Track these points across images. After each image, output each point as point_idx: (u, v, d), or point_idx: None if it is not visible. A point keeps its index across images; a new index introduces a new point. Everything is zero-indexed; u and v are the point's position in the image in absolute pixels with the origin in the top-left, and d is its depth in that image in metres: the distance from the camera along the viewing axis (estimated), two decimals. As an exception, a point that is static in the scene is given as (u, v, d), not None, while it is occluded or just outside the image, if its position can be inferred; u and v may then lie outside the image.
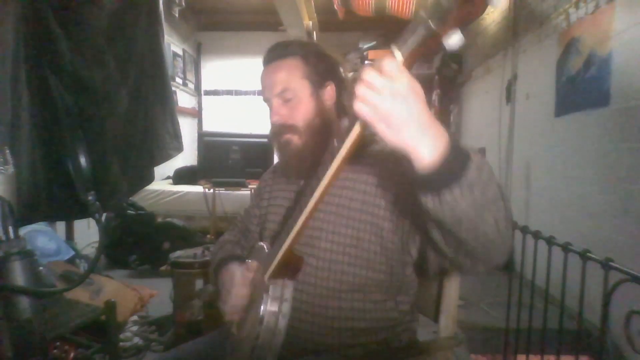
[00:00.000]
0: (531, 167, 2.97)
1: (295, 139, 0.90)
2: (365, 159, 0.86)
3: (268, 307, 0.73)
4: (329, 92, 0.93)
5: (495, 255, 0.67)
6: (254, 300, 0.82)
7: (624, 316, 1.23)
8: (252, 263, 0.88)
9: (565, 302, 1.52)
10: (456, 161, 0.57)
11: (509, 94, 3.31)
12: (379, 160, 0.85)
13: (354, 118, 0.60)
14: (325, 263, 0.84)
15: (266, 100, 0.94)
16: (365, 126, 0.59)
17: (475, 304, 2.41)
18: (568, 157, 2.46)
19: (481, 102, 4.09)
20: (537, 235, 1.63)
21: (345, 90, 0.95)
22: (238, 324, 0.88)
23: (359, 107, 0.57)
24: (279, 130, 0.91)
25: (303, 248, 0.85)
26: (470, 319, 2.20)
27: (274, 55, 0.94)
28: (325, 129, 0.90)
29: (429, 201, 0.59)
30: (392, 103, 0.55)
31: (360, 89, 0.56)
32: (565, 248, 1.48)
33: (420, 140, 0.56)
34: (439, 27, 0.53)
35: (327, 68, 0.93)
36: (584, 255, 1.40)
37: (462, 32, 0.54)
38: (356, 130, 0.61)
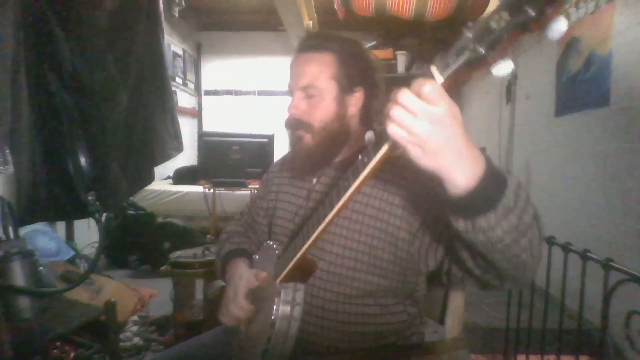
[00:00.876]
0: (531, 167, 2.97)
1: (307, 138, 0.88)
2: (385, 164, 0.86)
3: (280, 310, 0.72)
4: (357, 97, 0.89)
5: (525, 276, 0.65)
6: (264, 301, 0.82)
7: (624, 316, 1.23)
8: (261, 273, 0.87)
9: (565, 302, 1.52)
10: (492, 187, 0.55)
11: (509, 94, 3.30)
12: (398, 168, 0.82)
13: (384, 136, 0.57)
14: (337, 268, 0.84)
15: (290, 89, 0.90)
16: (395, 147, 0.56)
17: (475, 304, 2.41)
18: (568, 157, 2.46)
19: (481, 102, 4.09)
20: (537, 235, 1.63)
21: (376, 99, 0.91)
22: (246, 325, 0.87)
23: (393, 129, 0.54)
24: (294, 124, 0.89)
25: (315, 252, 0.84)
26: (470, 319, 2.20)
27: (310, 45, 0.90)
28: (342, 136, 0.88)
29: (461, 225, 0.57)
30: (429, 128, 0.52)
31: (395, 111, 0.53)
32: (565, 248, 1.48)
33: (456, 166, 0.54)
34: (488, 54, 0.50)
35: (360, 72, 0.89)
36: (584, 255, 1.40)
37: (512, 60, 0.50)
38: (384, 149, 0.58)
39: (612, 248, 1.92)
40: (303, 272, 0.78)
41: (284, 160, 1.09)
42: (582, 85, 2.32)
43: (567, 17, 2.51)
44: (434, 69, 0.54)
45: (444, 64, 0.54)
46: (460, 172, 0.54)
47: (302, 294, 0.76)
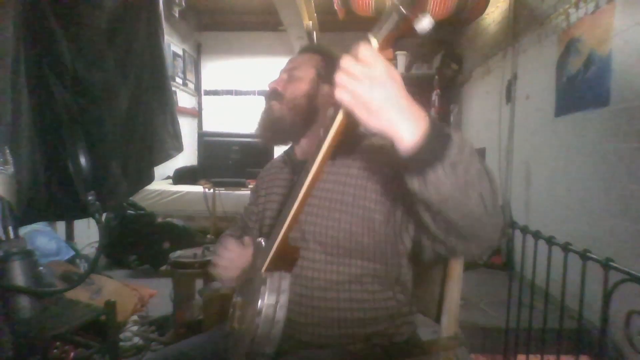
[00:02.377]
0: (531, 167, 2.97)
1: (277, 107, 0.97)
2: (357, 154, 0.90)
3: (266, 299, 0.74)
4: (331, 89, 0.95)
5: (485, 234, 0.68)
6: (252, 293, 0.82)
7: (624, 316, 1.23)
8: (245, 238, 0.93)
9: (565, 302, 1.52)
10: (437, 141, 0.59)
11: (509, 94, 3.31)
12: (370, 154, 0.89)
13: (337, 106, 0.62)
14: (321, 256, 0.87)
15: (278, 76, 1.02)
16: (348, 113, 0.60)
17: (475, 304, 2.41)
18: (568, 157, 2.46)
19: (481, 102, 4.09)
20: (537, 235, 1.63)
21: None
22: (239, 318, 0.88)
23: (339, 94, 0.59)
24: (270, 94, 0.99)
25: (299, 242, 0.88)
26: (470, 319, 2.20)
27: (305, 50, 1.07)
28: (309, 114, 0.96)
29: (414, 183, 0.61)
30: (370, 88, 0.57)
31: (339, 77, 0.59)
32: (565, 248, 1.48)
33: (401, 123, 0.58)
34: (409, 11, 0.56)
35: None
36: (584, 255, 1.40)
37: (430, 16, 0.57)
38: (339, 117, 0.63)
39: (612, 248, 1.92)
40: (286, 259, 0.79)
41: (271, 165, 1.15)
42: (582, 85, 2.32)
43: (567, 17, 2.51)
44: (369, 35, 0.60)
45: (377, 29, 0.59)
46: (404, 128, 0.58)
47: (288, 282, 0.77)
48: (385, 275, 0.88)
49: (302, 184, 0.71)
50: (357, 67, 0.57)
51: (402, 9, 0.56)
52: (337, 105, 0.62)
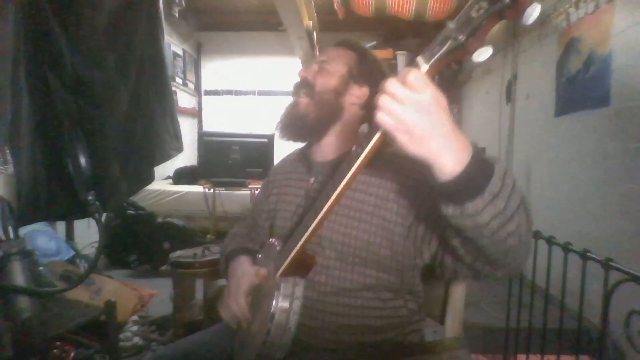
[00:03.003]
0: (531, 167, 2.97)
1: (305, 102, 0.94)
2: (379, 162, 0.85)
3: (279, 304, 0.74)
4: (362, 91, 0.95)
5: (515, 262, 0.67)
6: (265, 296, 0.82)
7: (624, 316, 1.23)
8: (262, 270, 0.88)
9: (565, 302, 1.52)
10: (479, 173, 0.56)
11: (509, 94, 3.31)
12: (393, 164, 0.85)
13: (375, 127, 0.60)
14: (336, 263, 0.86)
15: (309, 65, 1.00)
16: (386, 136, 0.59)
17: (475, 304, 2.41)
18: (568, 157, 2.46)
19: (481, 102, 4.09)
20: (537, 235, 1.63)
21: None
22: (249, 322, 0.88)
23: (381, 117, 0.56)
24: (300, 85, 0.96)
25: (314, 247, 0.86)
26: (470, 319, 2.20)
27: (340, 43, 1.02)
28: (333, 111, 0.94)
29: (450, 211, 0.59)
30: (415, 115, 0.55)
31: (382, 99, 0.56)
32: (565, 248, 1.48)
33: (443, 152, 0.56)
34: (468, 42, 0.54)
35: (372, 74, 0.96)
36: (584, 255, 1.39)
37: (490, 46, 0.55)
38: (376, 138, 0.62)
39: (612, 248, 1.92)
40: (302, 266, 0.79)
41: (283, 162, 1.12)
42: (582, 85, 2.32)
43: (567, 17, 2.51)
44: (419, 59, 0.58)
45: (428, 53, 0.58)
46: (447, 157, 0.56)
47: (302, 288, 0.76)
48: (399, 286, 0.87)
49: (328, 198, 0.70)
50: (404, 91, 0.55)
51: (461, 37, 0.54)
52: (374, 125, 0.60)
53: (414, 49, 4.67)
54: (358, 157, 0.64)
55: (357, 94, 0.95)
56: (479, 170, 0.56)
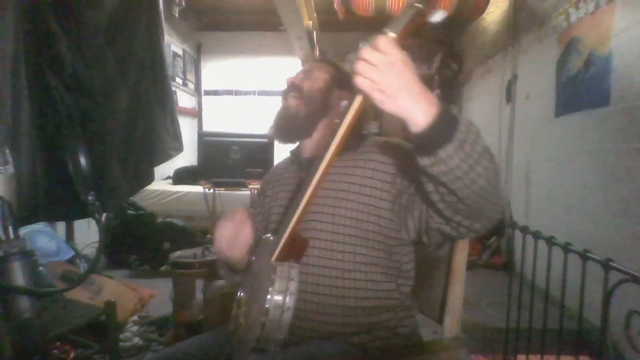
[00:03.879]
0: (531, 167, 2.97)
1: (294, 102, 1.01)
2: (362, 148, 0.97)
3: (276, 286, 0.76)
4: (341, 94, 1.04)
5: (487, 210, 0.74)
6: (258, 287, 0.84)
7: (624, 316, 1.23)
8: (237, 212, 0.92)
9: (565, 302, 1.52)
10: (447, 123, 0.65)
11: (509, 94, 3.31)
12: (374, 149, 0.95)
13: (355, 93, 0.69)
14: (327, 244, 0.90)
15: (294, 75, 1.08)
16: (365, 98, 0.67)
17: (475, 304, 2.41)
18: (568, 157, 2.46)
19: (481, 102, 4.09)
20: (537, 235, 1.63)
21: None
22: (244, 313, 0.89)
23: (359, 81, 0.65)
24: (288, 88, 1.04)
25: (306, 232, 0.90)
26: (470, 319, 2.20)
27: (320, 60, 1.16)
28: (321, 107, 1.01)
29: (425, 161, 0.67)
30: (387, 75, 0.64)
31: (358, 65, 0.65)
32: (565, 248, 1.48)
33: (415, 106, 0.65)
34: (425, 6, 0.66)
35: (347, 84, 1.04)
36: (584, 255, 1.40)
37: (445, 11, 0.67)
38: (357, 101, 0.70)
39: (612, 248, 1.92)
40: (295, 250, 0.83)
41: (277, 166, 1.18)
42: (582, 85, 2.32)
43: (567, 17, 2.51)
44: (386, 29, 0.68)
45: (393, 22, 0.68)
46: (418, 111, 0.65)
47: (297, 271, 0.79)
48: (388, 264, 0.91)
49: (314, 176, 0.77)
50: (376, 55, 0.64)
51: (418, 5, 0.65)
52: (353, 92, 0.69)
53: (414, 49, 4.67)
54: (341, 126, 0.74)
55: (338, 95, 1.04)
56: (446, 121, 0.65)
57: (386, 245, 0.90)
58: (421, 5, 0.65)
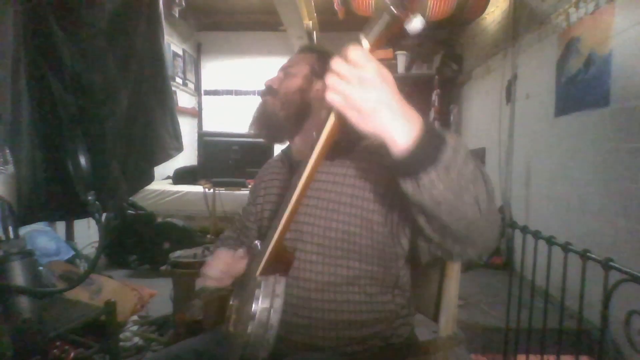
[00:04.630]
0: (531, 167, 2.97)
1: (271, 101, 0.98)
2: (355, 154, 0.90)
3: (260, 303, 0.73)
4: (324, 85, 0.97)
5: (481, 236, 0.66)
6: (247, 297, 0.82)
7: (624, 316, 1.23)
8: (239, 251, 0.91)
9: (565, 302, 1.52)
10: (431, 144, 0.57)
11: (509, 94, 3.30)
12: (367, 155, 0.88)
13: (329, 108, 0.61)
14: (318, 257, 0.86)
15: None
16: (339, 115, 0.59)
17: (475, 304, 2.41)
18: (568, 157, 2.46)
19: (481, 102, 4.09)
20: (537, 235, 1.63)
21: None
22: (234, 321, 0.88)
23: (330, 96, 0.58)
24: (265, 91, 1.01)
25: (296, 243, 0.87)
26: (470, 319, 2.20)
27: (302, 49, 1.08)
28: (301, 108, 0.97)
29: (408, 186, 0.60)
30: (360, 90, 0.56)
31: (329, 79, 0.58)
32: (565, 248, 1.48)
33: (393, 126, 0.56)
34: (400, 11, 0.55)
35: None
36: (584, 255, 1.39)
37: (422, 16, 0.57)
38: (331, 120, 0.62)
39: (612, 248, 1.92)
40: (281, 262, 0.79)
41: (268, 165, 1.15)
42: (582, 85, 2.32)
43: (567, 17, 2.51)
44: (361, 36, 0.59)
45: (368, 30, 0.58)
46: (397, 131, 0.56)
47: (283, 286, 0.76)
48: (383, 278, 0.87)
49: (296, 186, 0.70)
50: (347, 68, 0.56)
51: (393, 9, 0.55)
52: (329, 108, 0.61)
53: (414, 49, 4.67)
54: (318, 140, 0.65)
55: (322, 87, 0.96)
56: (430, 142, 0.57)
57: (380, 259, 0.86)
58: (395, 11, 0.56)
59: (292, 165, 1.01)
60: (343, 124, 0.60)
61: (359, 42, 0.58)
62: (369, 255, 0.85)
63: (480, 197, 0.61)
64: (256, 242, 0.91)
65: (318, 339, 0.86)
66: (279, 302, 0.74)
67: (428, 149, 0.57)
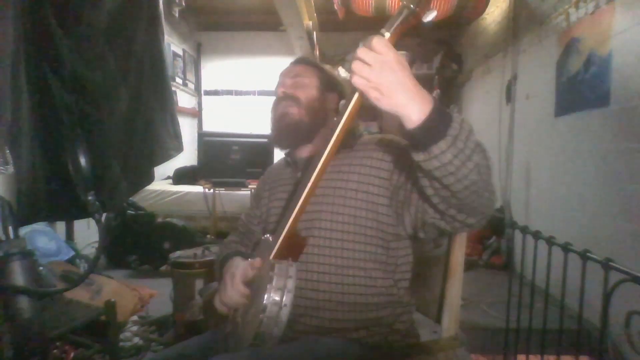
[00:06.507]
0: (531, 167, 2.97)
1: (294, 110, 1.01)
2: (358, 146, 0.99)
3: (274, 283, 0.76)
4: (333, 98, 1.06)
5: (480, 205, 0.76)
6: (256, 287, 0.84)
7: (624, 316, 1.23)
8: (256, 260, 0.89)
9: (565, 302, 1.52)
10: (440, 120, 0.67)
11: (509, 94, 3.31)
12: (370, 147, 0.97)
13: (352, 91, 0.72)
14: (326, 241, 0.92)
15: (281, 83, 1.07)
16: (362, 96, 0.71)
17: (475, 304, 2.41)
18: (568, 157, 2.46)
19: (481, 102, 4.09)
20: (537, 235, 1.63)
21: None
22: (242, 312, 0.89)
23: (355, 79, 0.68)
24: (281, 99, 1.03)
25: (305, 231, 0.92)
26: (470, 319, 2.20)
27: (301, 61, 1.11)
28: (321, 117, 1.02)
29: (420, 156, 0.69)
30: (381, 73, 0.66)
31: (355, 65, 0.68)
32: (565, 248, 1.48)
33: (409, 104, 0.66)
34: (418, 8, 0.69)
35: (336, 85, 1.08)
36: (584, 255, 1.40)
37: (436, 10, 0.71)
38: (354, 99, 0.73)
39: (612, 248, 1.92)
40: (294, 249, 0.84)
41: (272, 169, 1.19)
42: (582, 85, 2.32)
43: (567, 17, 2.51)
44: (383, 29, 0.70)
45: (389, 24, 0.70)
46: (413, 108, 0.67)
47: (295, 269, 0.79)
48: (385, 260, 0.92)
49: (312, 173, 0.79)
50: (371, 55, 0.66)
51: (412, 6, 0.69)
52: (351, 91, 0.72)
53: (414, 49, 4.67)
54: (339, 123, 0.76)
55: (331, 100, 1.06)
56: (440, 118, 0.67)
57: (384, 241, 0.92)
58: (414, 7, 0.68)
59: (297, 165, 1.05)
60: (364, 104, 0.72)
61: (380, 34, 0.69)
62: (372, 237, 0.91)
63: (482, 164, 0.71)
64: (266, 236, 0.94)
65: (324, 321, 0.90)
66: (292, 283, 0.78)
67: (438, 123, 0.67)
